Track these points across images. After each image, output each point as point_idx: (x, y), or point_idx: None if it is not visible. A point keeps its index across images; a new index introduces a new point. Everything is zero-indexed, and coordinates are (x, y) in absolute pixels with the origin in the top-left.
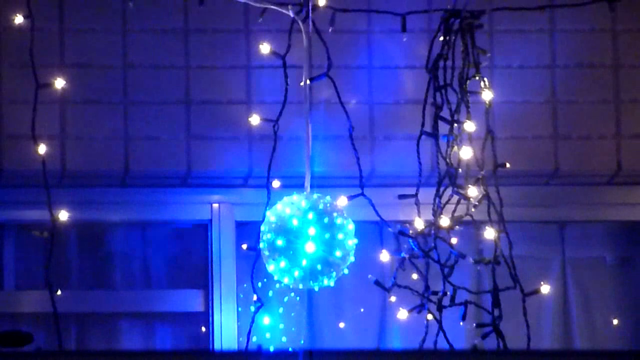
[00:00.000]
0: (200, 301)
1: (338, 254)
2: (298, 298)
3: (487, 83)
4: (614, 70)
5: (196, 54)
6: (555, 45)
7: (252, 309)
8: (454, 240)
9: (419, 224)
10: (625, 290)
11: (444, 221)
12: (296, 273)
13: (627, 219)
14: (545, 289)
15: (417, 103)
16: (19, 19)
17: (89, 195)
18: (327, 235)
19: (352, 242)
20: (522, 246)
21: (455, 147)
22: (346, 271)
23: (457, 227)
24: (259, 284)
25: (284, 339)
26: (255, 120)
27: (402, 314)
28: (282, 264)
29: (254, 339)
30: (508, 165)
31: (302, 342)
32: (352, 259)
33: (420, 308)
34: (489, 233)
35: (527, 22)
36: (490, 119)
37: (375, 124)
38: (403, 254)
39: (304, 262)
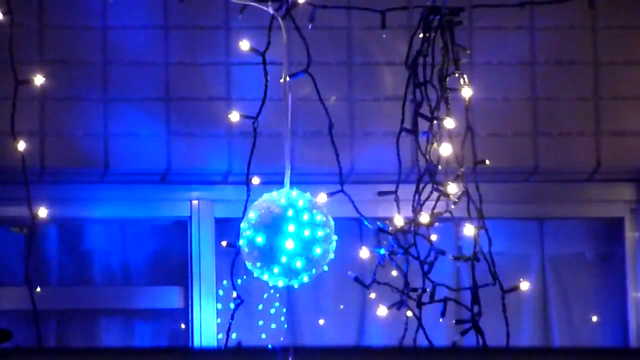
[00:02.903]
0: (180, 298)
1: (318, 250)
2: (278, 295)
3: (466, 80)
4: (593, 67)
5: (176, 51)
6: (535, 42)
7: (232, 306)
8: (433, 237)
9: (399, 221)
10: (604, 287)
11: (424, 218)
12: (276, 270)
13: (607, 216)
14: (524, 285)
15: (397, 100)
16: None
17: (68, 192)
18: (306, 232)
19: (331, 238)
20: (502, 243)
21: (435, 144)
22: (326, 268)
23: (436, 223)
24: (239, 281)
25: (263, 336)
26: (235, 116)
27: (382, 311)
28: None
29: (234, 336)
30: (487, 162)
31: (282, 339)
32: (331, 255)
33: (399, 305)
34: (469, 230)
35: (506, 19)
36: (469, 116)
37: (354, 121)
38: (383, 251)
39: (284, 259)
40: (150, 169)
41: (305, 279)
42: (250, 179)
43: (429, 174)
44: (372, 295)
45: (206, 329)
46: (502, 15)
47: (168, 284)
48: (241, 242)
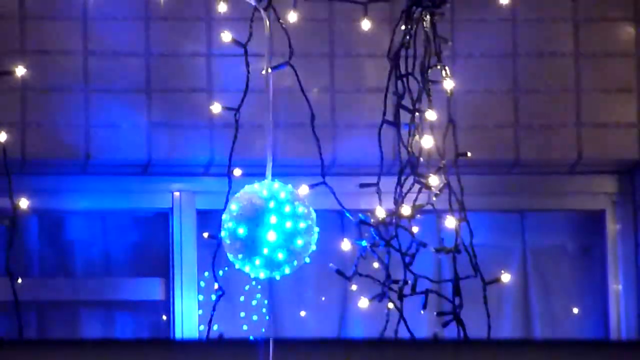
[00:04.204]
0: (161, 289)
1: (299, 242)
2: (259, 287)
3: (448, 72)
4: (574, 59)
5: (157, 42)
6: (517, 34)
7: (213, 297)
8: (415, 229)
9: (380, 213)
10: (585, 279)
11: (405, 210)
12: (257, 262)
13: (588, 208)
14: (505, 277)
15: (379, 91)
16: None
17: (49, 183)
18: (288, 224)
19: (313, 230)
20: (483, 235)
21: (417, 136)
22: (307, 260)
23: (418, 216)
24: (220, 273)
25: (244, 327)
26: (216, 108)
27: (363, 303)
28: (244, 252)
29: (215, 327)
30: (469, 154)
31: (263, 330)
32: (313, 247)
33: (381, 297)
34: (450, 222)
35: (488, 11)
36: (451, 108)
37: (336, 113)
38: (364, 243)
39: (265, 251)
40: (132, 161)
41: (287, 270)
42: (232, 171)
43: (410, 166)
44: (354, 287)
45: (187, 320)
46: (484, 7)
47: (149, 275)
48: (223, 233)
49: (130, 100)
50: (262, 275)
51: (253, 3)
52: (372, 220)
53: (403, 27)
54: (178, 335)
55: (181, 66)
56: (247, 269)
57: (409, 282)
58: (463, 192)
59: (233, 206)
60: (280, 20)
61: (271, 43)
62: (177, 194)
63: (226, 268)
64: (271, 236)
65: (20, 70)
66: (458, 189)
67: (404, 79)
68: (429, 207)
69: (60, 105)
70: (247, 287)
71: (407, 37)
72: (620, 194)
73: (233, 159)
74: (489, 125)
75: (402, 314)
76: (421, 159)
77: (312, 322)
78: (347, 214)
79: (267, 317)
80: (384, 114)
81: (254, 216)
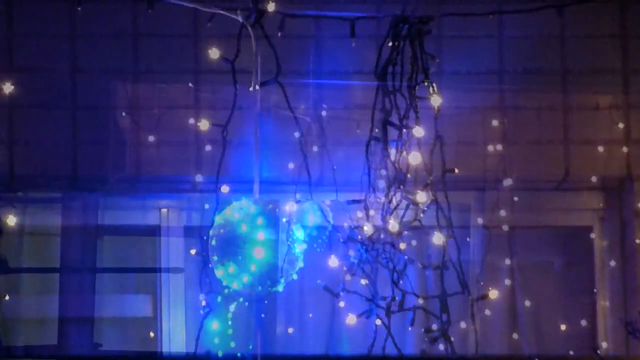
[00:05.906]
0: (149, 306)
1: (287, 259)
2: (247, 303)
3: (435, 88)
4: (561, 76)
5: (145, 59)
6: (504, 51)
7: (201, 313)
8: (402, 246)
9: (368, 229)
10: (572, 295)
11: (393, 226)
12: (245, 278)
13: (575, 225)
14: (493, 294)
15: (366, 108)
16: None
17: (37, 200)
18: (276, 240)
19: (300, 247)
20: (470, 251)
21: (404, 153)
22: (295, 276)
23: (405, 232)
24: (208, 290)
25: (232, 344)
26: (204, 125)
27: (351, 319)
28: (231, 269)
29: (202, 344)
30: (456, 170)
31: (251, 347)
32: (301, 264)
33: (368, 313)
34: (437, 238)
35: (475, 28)
36: (438, 124)
37: (324, 129)
38: (352, 259)
39: (253, 268)
40: (120, 178)
41: (275, 287)
42: (220, 187)
43: (398, 183)
44: (342, 304)
45: (175, 336)
46: (471, 24)
47: (137, 292)
48: (210, 250)
49: (118, 118)
50: (250, 291)
51: (241, 20)
52: (359, 236)
53: (390, 44)
54: (166, 351)
55: (169, 83)
56: (234, 285)
57: (397, 298)
58: (450, 208)
59: (221, 223)
60: (268, 38)
61: (259, 60)
62: (164, 210)
63: (213, 285)
64: (259, 253)
65: (8, 88)
66: (445, 205)
67: (391, 96)
68: (417, 223)
69: (47, 122)
70: (234, 304)
71: (395, 54)
72: (607, 210)
73: (221, 175)
74: (476, 142)
75: (389, 331)
76: (409, 175)
77: (299, 339)
78: (335, 231)
79: (255, 334)
80: (372, 130)
81: (242, 233)
